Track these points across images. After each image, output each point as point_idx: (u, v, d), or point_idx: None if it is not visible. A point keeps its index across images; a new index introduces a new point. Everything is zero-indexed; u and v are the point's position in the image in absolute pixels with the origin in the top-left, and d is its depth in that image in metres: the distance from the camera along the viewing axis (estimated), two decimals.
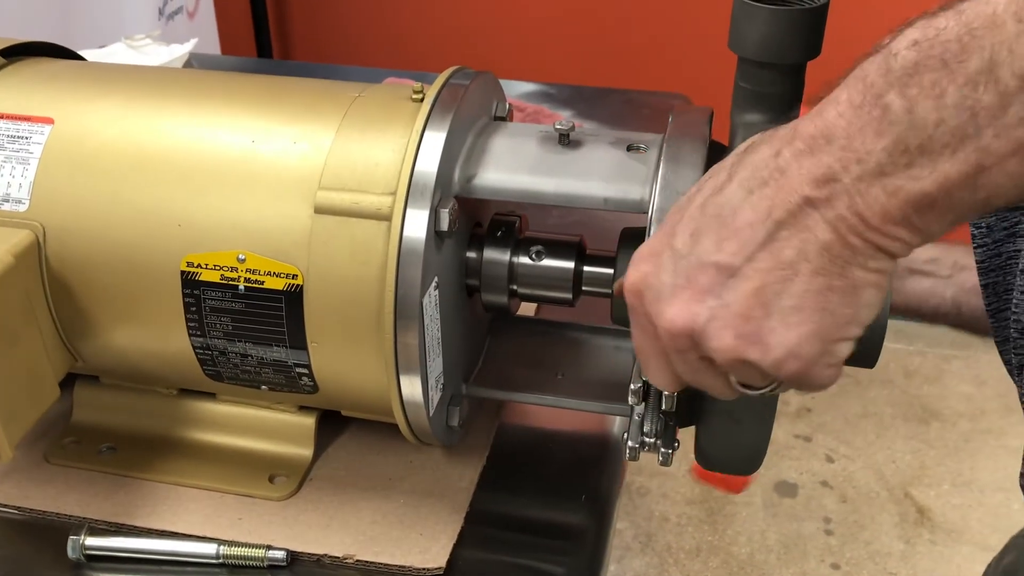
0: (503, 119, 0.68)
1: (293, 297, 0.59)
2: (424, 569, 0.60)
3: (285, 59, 2.46)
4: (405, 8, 2.39)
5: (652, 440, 0.55)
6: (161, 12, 1.93)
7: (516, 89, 1.25)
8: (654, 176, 0.56)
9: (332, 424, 0.70)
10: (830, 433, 2.25)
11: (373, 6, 2.40)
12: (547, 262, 0.64)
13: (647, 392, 0.53)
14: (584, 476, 0.68)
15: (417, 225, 0.56)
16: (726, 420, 0.56)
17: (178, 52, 1.24)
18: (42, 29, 1.61)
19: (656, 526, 2.06)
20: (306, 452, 0.68)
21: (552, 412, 0.73)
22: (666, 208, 0.55)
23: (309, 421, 0.68)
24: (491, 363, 0.70)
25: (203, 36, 1.97)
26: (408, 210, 0.56)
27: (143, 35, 1.28)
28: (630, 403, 0.53)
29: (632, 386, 0.53)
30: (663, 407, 0.53)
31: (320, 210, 0.58)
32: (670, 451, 0.55)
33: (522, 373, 0.69)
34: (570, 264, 0.64)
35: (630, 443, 0.55)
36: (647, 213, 0.56)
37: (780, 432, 2.27)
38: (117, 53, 1.24)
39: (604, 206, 0.59)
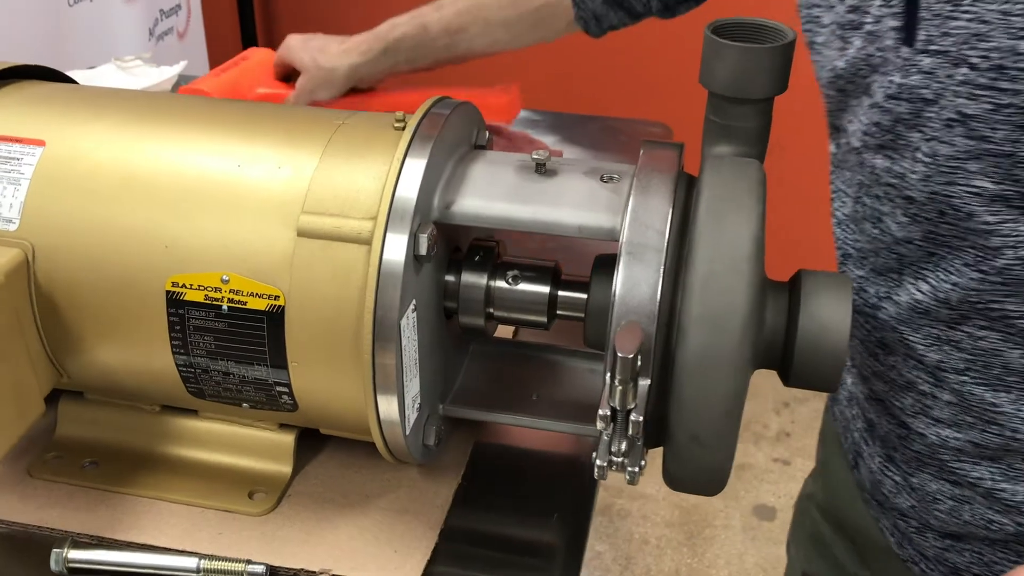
0: (483, 147, 0.70)
1: (275, 318, 0.61)
2: None
3: None
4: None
5: (620, 460, 0.56)
6: (152, 33, 1.95)
7: None
8: (625, 206, 0.58)
9: (311, 441, 0.71)
10: (809, 457, 2.27)
11: (367, 25, 2.43)
12: (523, 286, 0.66)
13: (614, 416, 0.55)
14: (557, 495, 0.70)
15: (396, 249, 0.58)
16: (690, 443, 0.58)
17: (167, 74, 1.26)
18: (34, 49, 1.63)
19: (636, 548, 2.07)
20: (285, 469, 0.69)
21: (527, 432, 0.75)
22: (635, 239, 0.57)
23: (288, 439, 0.69)
24: (468, 384, 0.72)
25: (193, 57, 1.99)
26: (388, 235, 0.58)
27: (133, 56, 1.30)
28: (599, 428, 0.55)
29: (600, 412, 0.55)
30: (629, 432, 0.55)
31: (303, 233, 0.60)
32: (636, 470, 0.56)
33: (498, 394, 0.71)
34: (545, 289, 0.66)
35: (598, 462, 0.56)
36: (618, 241, 0.58)
37: (760, 456, 2.29)
38: (107, 74, 1.26)
39: (578, 234, 0.61)
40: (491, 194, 0.62)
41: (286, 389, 0.63)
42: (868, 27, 0.68)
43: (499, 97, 1.10)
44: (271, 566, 0.63)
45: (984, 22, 0.60)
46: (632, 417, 0.55)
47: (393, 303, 0.58)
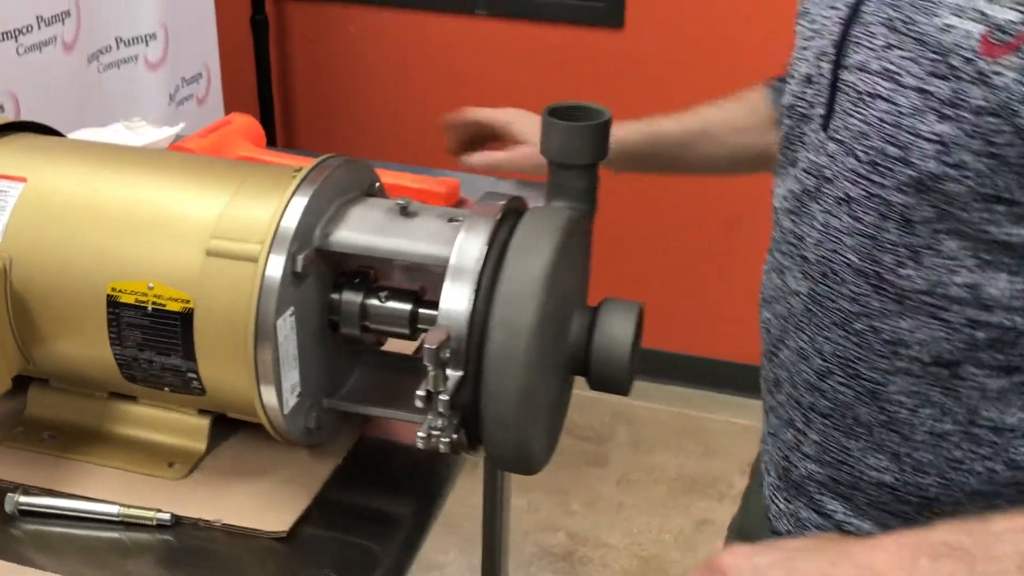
0: (373, 195, 0.88)
1: (186, 318, 0.78)
2: (271, 532, 0.78)
3: (288, 147, 2.70)
4: (405, 102, 2.64)
5: (437, 434, 0.73)
6: (172, 98, 2.17)
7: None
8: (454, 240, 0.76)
9: (226, 427, 0.88)
10: None
11: (376, 100, 2.65)
12: (391, 304, 0.83)
13: (430, 397, 0.72)
14: (417, 479, 0.87)
15: (276, 267, 0.76)
16: (495, 426, 0.74)
17: (166, 134, 1.46)
18: (65, 109, 1.84)
19: None
20: (200, 445, 0.86)
21: (405, 428, 0.91)
22: (457, 264, 0.74)
23: (204, 422, 0.87)
24: (356, 386, 0.89)
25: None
26: (271, 255, 0.76)
27: (139, 118, 1.51)
28: (417, 406, 0.72)
29: (418, 392, 0.72)
30: (440, 410, 0.72)
31: (210, 253, 0.78)
32: (448, 440, 0.73)
33: (378, 394, 0.88)
34: (408, 306, 0.83)
35: (419, 435, 0.73)
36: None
37: (722, 512, 2.41)
38: (114, 132, 1.46)
39: (424, 261, 0.78)
40: (362, 228, 0.80)
41: (195, 376, 0.80)
42: (802, 110, 0.83)
43: (440, 187, 1.28)
44: (175, 515, 0.80)
45: (868, 124, 0.74)
46: (441, 398, 0.71)
47: (271, 309, 0.75)
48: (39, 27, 1.73)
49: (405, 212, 0.81)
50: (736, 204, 2.55)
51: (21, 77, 1.71)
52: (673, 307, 2.73)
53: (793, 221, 0.83)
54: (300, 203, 0.78)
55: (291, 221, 0.77)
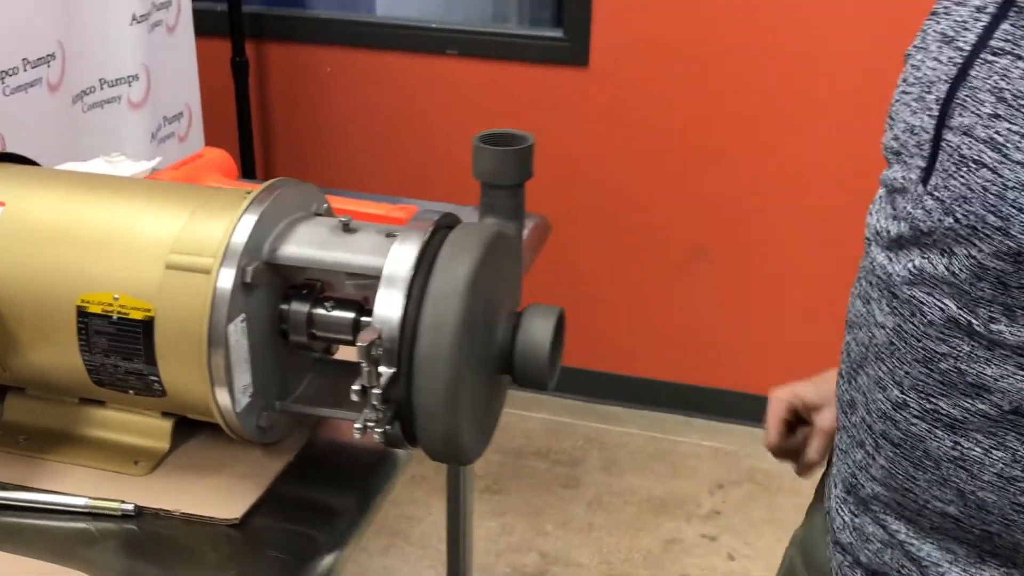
0: (321, 215, 0.96)
1: (148, 326, 0.87)
2: (224, 519, 0.86)
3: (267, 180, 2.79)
4: (379, 137, 2.73)
5: (372, 425, 0.81)
6: (154, 136, 2.26)
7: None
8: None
9: (189, 428, 0.96)
10: (735, 534, 2.47)
11: (355, 135, 2.75)
12: (336, 313, 0.91)
13: (365, 392, 0.80)
14: (360, 476, 0.95)
15: (227, 278, 0.84)
16: (425, 418, 0.82)
17: (143, 167, 1.54)
18: (51, 146, 1.93)
19: None
20: (163, 445, 0.94)
21: (352, 430, 0.99)
22: (389, 272, 0.83)
23: (167, 424, 0.95)
24: (307, 390, 0.97)
25: None
26: (222, 268, 0.84)
27: (118, 153, 1.60)
28: (353, 399, 0.80)
29: (353, 387, 0.80)
30: (374, 403, 0.80)
31: (169, 267, 0.86)
32: (381, 431, 0.81)
33: (326, 397, 0.96)
34: (351, 314, 0.91)
35: (356, 426, 0.81)
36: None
37: (689, 531, 2.48)
38: (95, 166, 1.55)
39: (362, 271, 0.87)
40: (307, 243, 0.89)
41: (156, 379, 0.89)
42: (903, 158, 0.83)
43: (399, 212, 1.37)
44: (139, 505, 0.88)
45: (970, 189, 0.74)
46: (374, 392, 0.80)
47: (222, 316, 0.84)
48: (25, 69, 1.82)
49: (347, 228, 0.90)
50: (705, 232, 2.65)
51: (8, 116, 1.79)
52: (642, 333, 2.82)
53: (887, 257, 0.85)
54: (250, 220, 0.87)
55: (241, 237, 0.86)
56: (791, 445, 1.09)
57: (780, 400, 1.09)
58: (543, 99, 2.59)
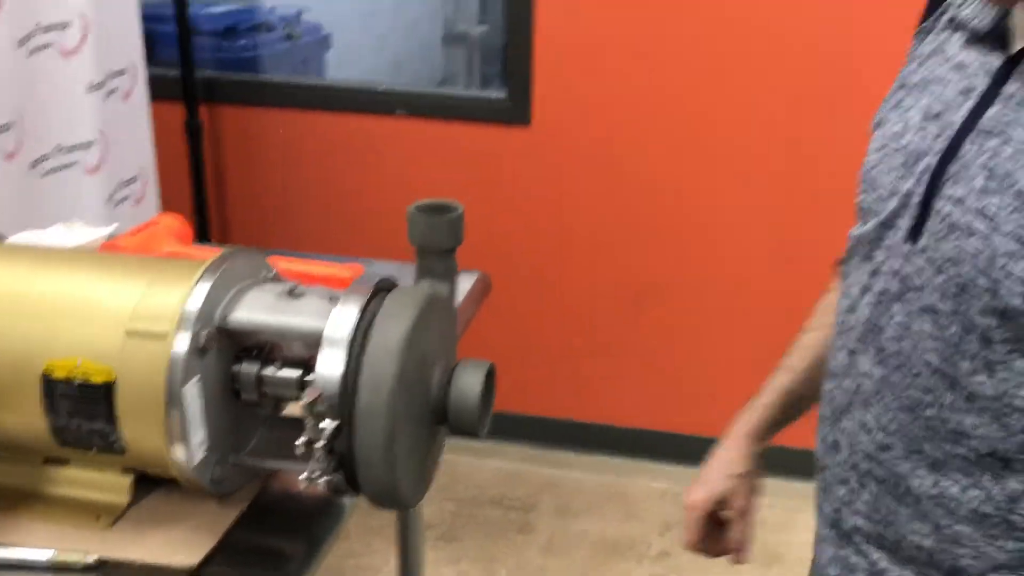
0: (270, 280, 1.04)
1: (109, 389, 0.94)
2: (181, 567, 0.93)
3: (223, 242, 2.87)
4: (332, 197, 2.82)
5: (316, 475, 0.89)
6: (110, 198, 2.33)
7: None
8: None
9: (148, 484, 1.03)
10: (684, 573, 2.54)
11: (309, 194, 2.83)
12: (283, 372, 0.99)
13: (310, 445, 0.88)
14: (308, 523, 1.02)
15: (182, 343, 0.92)
16: (365, 468, 0.90)
17: (101, 233, 1.61)
18: (8, 211, 1.99)
19: None
20: (123, 499, 1.01)
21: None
22: (329, 334, 0.91)
23: (127, 480, 1.01)
24: (259, 443, 1.04)
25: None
26: (178, 334, 0.92)
27: (78, 219, 1.66)
28: (297, 453, 0.88)
29: (297, 442, 0.88)
30: (317, 456, 0.88)
31: (129, 334, 0.94)
32: (322, 481, 0.88)
33: (276, 449, 1.03)
34: (297, 374, 0.99)
35: (301, 477, 0.89)
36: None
37: (640, 572, 2.56)
38: (54, 233, 1.61)
39: (301, 337, 0.95)
40: (255, 309, 0.97)
41: (117, 438, 0.96)
42: (884, 218, 0.89)
43: (345, 271, 1.45)
44: (101, 557, 0.94)
45: (961, 253, 0.81)
46: (317, 445, 0.87)
47: (178, 378, 0.91)
48: None
49: (292, 294, 0.98)
50: (648, 276, 2.75)
51: None
52: (593, 378, 2.90)
53: (872, 312, 0.90)
54: (203, 289, 0.94)
55: (195, 305, 0.93)
56: (717, 544, 1.14)
57: (694, 508, 1.13)
58: (488, 156, 2.70)
